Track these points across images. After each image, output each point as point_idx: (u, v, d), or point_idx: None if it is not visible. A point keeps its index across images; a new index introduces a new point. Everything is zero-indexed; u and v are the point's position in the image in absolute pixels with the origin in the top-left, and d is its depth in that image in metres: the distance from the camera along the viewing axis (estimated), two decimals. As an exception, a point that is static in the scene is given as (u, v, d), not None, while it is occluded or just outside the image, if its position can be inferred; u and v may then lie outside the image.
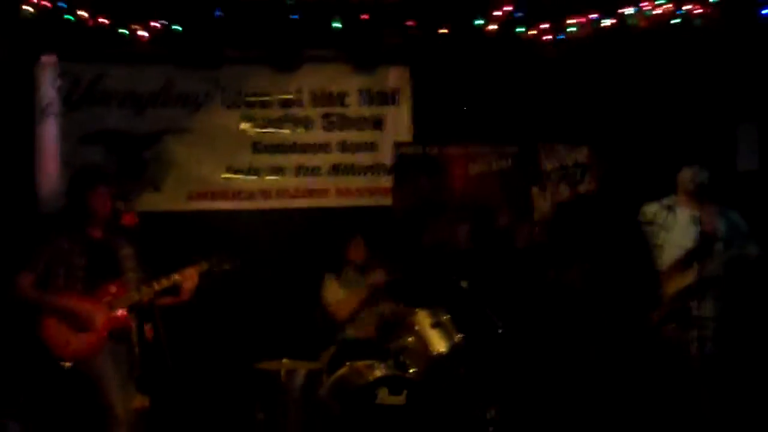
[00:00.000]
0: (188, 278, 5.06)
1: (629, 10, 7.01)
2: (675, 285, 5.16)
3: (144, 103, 6.93)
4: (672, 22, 6.92)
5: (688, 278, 5.08)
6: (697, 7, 6.84)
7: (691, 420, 5.15)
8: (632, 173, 7.24)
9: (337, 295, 6.27)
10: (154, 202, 6.74)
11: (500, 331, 5.93)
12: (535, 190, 7.54)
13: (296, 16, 6.77)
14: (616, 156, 7.45)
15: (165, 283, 4.97)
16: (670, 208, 5.33)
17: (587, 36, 7.14)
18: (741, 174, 6.64)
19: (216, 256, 5.25)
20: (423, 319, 5.89)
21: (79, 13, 6.49)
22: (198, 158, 7.00)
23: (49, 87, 6.77)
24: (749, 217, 5.42)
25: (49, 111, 6.74)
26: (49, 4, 6.41)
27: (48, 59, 6.79)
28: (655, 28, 6.98)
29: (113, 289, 4.87)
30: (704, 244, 5.04)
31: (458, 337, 5.82)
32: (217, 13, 6.68)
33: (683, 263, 5.10)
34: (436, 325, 5.86)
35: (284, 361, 5.72)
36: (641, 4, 6.96)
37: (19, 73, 6.59)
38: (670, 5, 6.91)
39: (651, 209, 5.43)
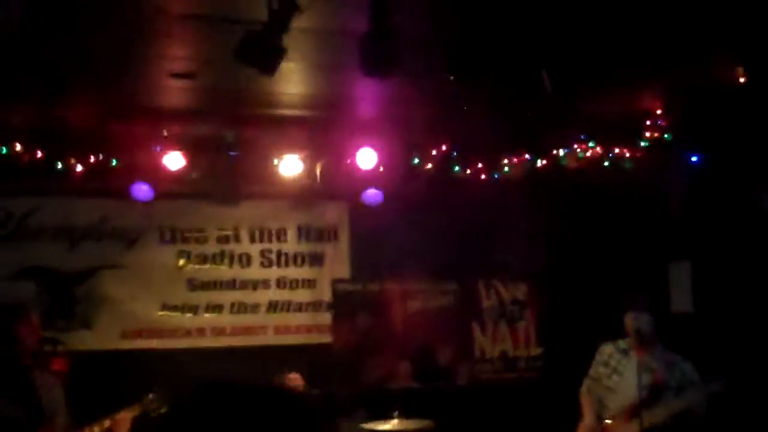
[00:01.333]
0: (120, 423, 4.81)
1: (561, 152, 7.24)
2: (624, 433, 5.10)
3: (77, 237, 6.78)
4: (603, 164, 7.17)
5: (634, 428, 5.03)
6: (627, 150, 7.10)
7: None
8: (571, 310, 7.30)
9: None
10: (85, 340, 6.50)
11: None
12: (475, 326, 7.53)
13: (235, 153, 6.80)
14: (555, 293, 7.51)
15: (96, 429, 4.71)
16: (624, 352, 5.29)
17: (522, 175, 7.32)
18: (675, 317, 6.69)
19: (150, 398, 5.02)
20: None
21: (13, 146, 6.41)
22: (132, 295, 6.81)
23: (-21, 221, 6.58)
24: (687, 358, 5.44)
25: (-22, 245, 6.54)
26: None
27: (-22, 193, 6.63)
28: (587, 168, 7.20)
29: None
30: (652, 394, 5.00)
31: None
32: (158, 148, 6.65)
33: (631, 412, 5.05)
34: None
35: None
36: (573, 146, 7.20)
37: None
38: (601, 148, 7.16)
39: (607, 349, 5.39)
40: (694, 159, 6.65)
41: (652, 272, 6.94)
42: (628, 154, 7.10)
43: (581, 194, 7.39)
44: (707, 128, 6.38)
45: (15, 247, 6.65)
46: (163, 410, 5.07)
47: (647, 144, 6.94)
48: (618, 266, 7.15)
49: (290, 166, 6.85)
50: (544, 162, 7.29)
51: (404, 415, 5.96)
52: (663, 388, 5.01)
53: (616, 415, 5.15)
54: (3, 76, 5.72)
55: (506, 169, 7.34)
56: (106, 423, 4.79)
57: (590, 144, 7.18)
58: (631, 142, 7.08)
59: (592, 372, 5.46)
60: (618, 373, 5.25)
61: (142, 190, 6.62)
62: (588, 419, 5.32)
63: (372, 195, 7.05)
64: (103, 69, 5.58)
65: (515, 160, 7.32)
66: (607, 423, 5.19)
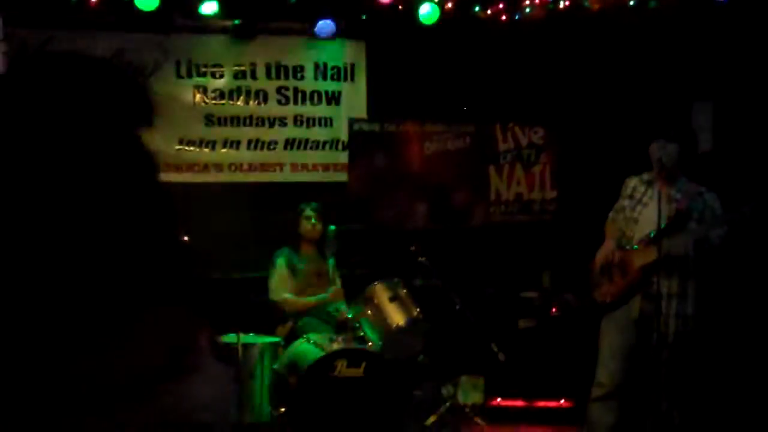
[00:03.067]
0: None
1: (585, -8, 7.06)
2: (642, 259, 5.16)
3: (93, 70, 6.70)
4: (628, 3, 7.00)
5: (656, 253, 5.09)
6: (652, -11, 6.92)
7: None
8: (589, 154, 7.29)
9: (287, 286, 6.12)
10: (103, 171, 6.51)
11: (458, 307, 5.91)
12: (491, 169, 7.54)
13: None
14: (573, 137, 7.48)
15: None
16: (648, 183, 5.31)
17: (543, 17, 7.17)
18: (697, 155, 6.68)
19: None
20: (381, 292, 5.82)
21: (27, -24, 6.29)
22: (150, 129, 6.78)
23: (-7, 51, 6.52)
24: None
25: (-5, 75, 6.50)
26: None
27: (-7, 23, 6.54)
28: (611, 10, 7.04)
29: None
30: (675, 222, 5.03)
31: (417, 310, 5.77)
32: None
33: (654, 239, 5.11)
34: (394, 298, 5.79)
35: (240, 334, 5.58)
36: (598, -15, 7.02)
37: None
38: (626, -13, 6.98)
39: (632, 183, 5.42)
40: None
41: (676, 111, 6.87)
42: (653, -7, 6.94)
43: (604, 35, 7.23)
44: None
45: (31, 78, 6.61)
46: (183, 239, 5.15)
47: (673, -18, 6.77)
48: (640, 107, 7.08)
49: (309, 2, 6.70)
50: (567, 3, 7.11)
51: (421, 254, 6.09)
52: (685, 218, 5.05)
53: (637, 243, 5.21)
54: None
55: (527, 9, 7.16)
56: None
57: (615, -17, 7.00)
58: (657, -20, 6.90)
59: (617, 205, 5.51)
60: (642, 204, 5.29)
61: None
62: (608, 245, 5.38)
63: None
64: None
65: (537, 0, 7.14)
66: (627, 249, 5.26)
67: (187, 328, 1.17)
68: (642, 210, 5.30)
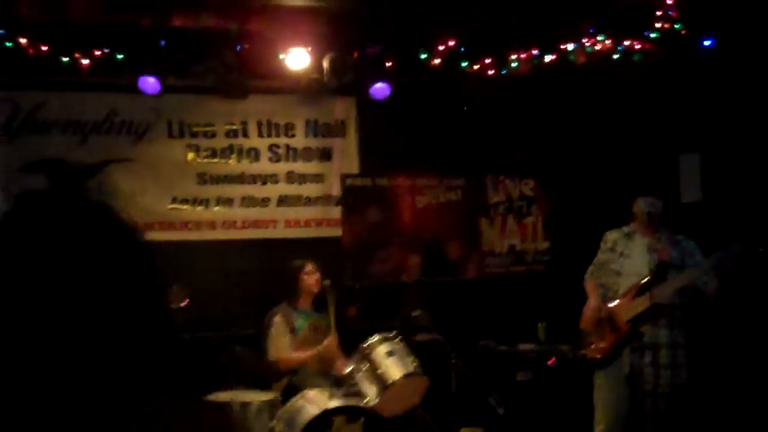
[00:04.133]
0: None
1: (570, 46, 7.18)
2: (629, 312, 5.20)
3: (86, 131, 6.75)
4: (613, 57, 7.12)
5: (642, 305, 5.13)
6: (636, 42, 7.05)
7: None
8: (580, 204, 7.36)
9: (283, 343, 6.09)
10: (96, 232, 6.49)
11: (454, 361, 5.89)
12: (483, 221, 7.58)
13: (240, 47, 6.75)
14: (563, 188, 7.56)
15: None
16: (629, 236, 5.40)
17: (529, 71, 7.28)
18: (684, 205, 6.75)
19: (173, 291, 5.11)
20: (378, 347, 5.79)
21: (20, 40, 6.34)
22: (143, 188, 6.82)
23: (-13, 114, 6.57)
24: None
25: (-12, 139, 6.54)
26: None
27: (-14, 87, 6.59)
28: (596, 63, 7.16)
29: None
30: (658, 271, 5.10)
31: (414, 365, 5.74)
32: (162, 43, 6.59)
33: (639, 290, 5.15)
34: (391, 353, 5.76)
35: (236, 392, 5.54)
36: (582, 40, 7.14)
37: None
38: (610, 41, 7.10)
39: (612, 236, 5.51)
40: (706, 44, 6.58)
41: (661, 165, 6.96)
42: (638, 47, 7.05)
43: (590, 89, 7.35)
44: (720, 13, 6.32)
45: (24, 141, 6.62)
46: (181, 304, 5.16)
47: (657, 35, 6.89)
48: (627, 160, 7.18)
49: (298, 59, 6.79)
50: (553, 57, 7.23)
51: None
52: (669, 266, 5.11)
53: (622, 296, 5.24)
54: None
55: (514, 64, 7.28)
56: None
57: (599, 38, 7.12)
58: (640, 34, 7.03)
59: (596, 260, 5.58)
60: (624, 256, 5.36)
61: (149, 84, 6.59)
62: (594, 301, 5.43)
63: (380, 89, 7.01)
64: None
65: (523, 55, 7.25)
66: (613, 303, 5.29)
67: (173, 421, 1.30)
68: (624, 262, 5.36)
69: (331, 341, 6.09)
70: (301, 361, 6.08)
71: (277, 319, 6.14)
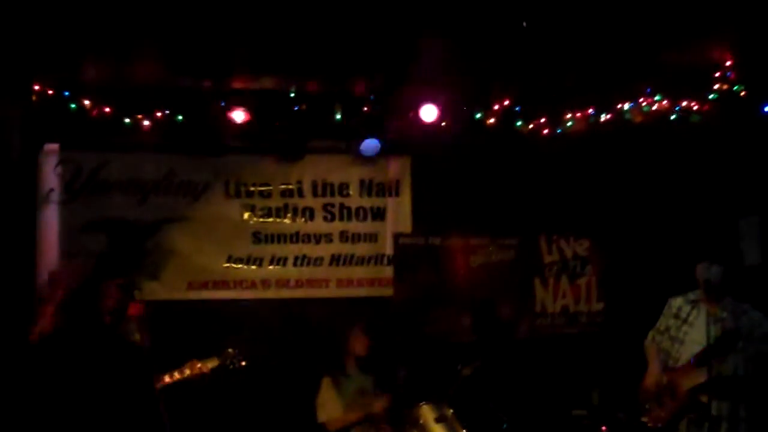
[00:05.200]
0: (198, 371, 5.00)
1: (626, 106, 7.14)
2: (690, 381, 5.09)
3: (146, 191, 6.91)
4: (670, 117, 7.06)
5: (704, 375, 5.02)
6: (694, 103, 6.98)
7: None
8: (634, 266, 7.26)
9: (331, 405, 6.09)
10: (154, 291, 6.63)
11: (504, 426, 5.84)
12: (536, 281, 7.53)
13: (298, 108, 6.87)
14: (617, 249, 7.47)
15: (177, 375, 4.88)
16: (693, 303, 5.29)
17: (585, 130, 7.24)
18: (746, 268, 6.62)
19: (230, 352, 5.21)
20: (427, 413, 5.78)
21: (82, 102, 6.55)
22: (198, 247, 6.95)
23: (51, 175, 6.77)
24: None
25: (51, 198, 6.74)
26: (51, 92, 6.48)
27: (51, 147, 6.80)
28: (653, 123, 7.10)
29: None
30: (725, 342, 4.97)
31: (463, 431, 5.71)
32: (222, 103, 6.75)
33: (701, 359, 5.04)
34: (440, 419, 5.75)
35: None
36: (639, 100, 7.10)
37: (25, 160, 6.56)
38: (667, 101, 7.05)
39: (677, 302, 5.40)
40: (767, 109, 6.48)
41: (721, 228, 6.85)
42: (695, 107, 6.98)
43: (647, 149, 7.28)
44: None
45: (86, 200, 6.82)
46: (241, 363, 5.25)
47: (716, 96, 6.82)
48: (685, 222, 7.08)
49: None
50: (609, 116, 7.19)
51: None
52: (734, 337, 4.98)
53: (685, 365, 5.14)
54: (72, 33, 5.88)
55: (569, 123, 7.25)
56: (186, 371, 4.95)
57: (656, 97, 7.07)
58: (698, 95, 6.96)
59: (659, 325, 5.47)
60: (688, 324, 5.25)
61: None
62: (654, 368, 5.33)
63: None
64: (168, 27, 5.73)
65: (578, 114, 7.23)
66: (674, 371, 5.19)
67: None
68: (688, 330, 5.25)
69: (382, 403, 6.09)
70: (350, 422, 6.07)
71: (326, 381, 6.16)
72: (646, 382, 5.35)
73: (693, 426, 5.08)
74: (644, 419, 5.31)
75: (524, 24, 4.84)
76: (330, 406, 6.06)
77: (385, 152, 7.21)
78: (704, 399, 5.01)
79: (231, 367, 5.33)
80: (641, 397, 5.37)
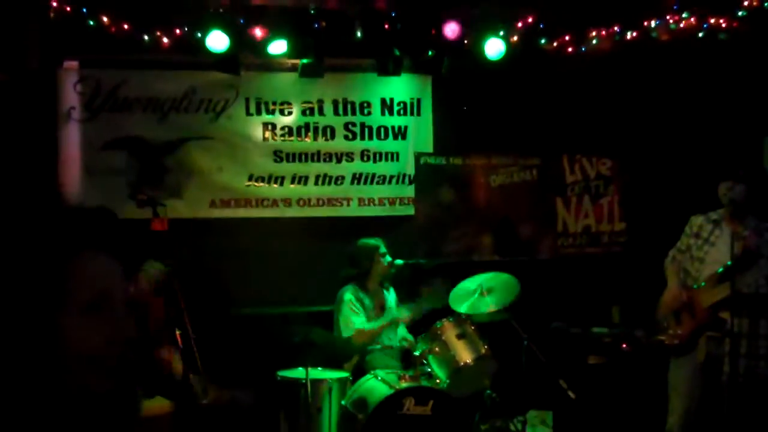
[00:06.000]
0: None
1: (653, 23, 7.00)
2: (710, 298, 5.08)
3: (166, 109, 6.87)
4: (698, 35, 6.92)
5: (724, 292, 5.01)
6: (723, 20, 6.84)
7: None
8: (656, 186, 7.21)
9: (356, 319, 6.13)
10: (176, 208, 6.61)
11: (525, 342, 5.87)
12: (558, 201, 7.50)
13: (318, 25, 6.77)
14: (642, 168, 7.41)
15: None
16: (715, 223, 5.25)
17: (610, 48, 7.12)
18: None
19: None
20: (449, 329, 5.83)
21: (101, 18, 6.48)
22: (220, 165, 6.94)
23: (71, 92, 6.74)
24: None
25: (72, 116, 6.72)
26: (69, 8, 6.40)
27: (70, 64, 6.76)
28: (680, 41, 6.97)
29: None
30: (745, 260, 4.95)
31: (484, 347, 5.75)
32: (241, 20, 6.66)
33: (722, 277, 5.02)
34: (461, 335, 5.79)
35: (308, 369, 5.63)
36: (666, 17, 6.96)
37: (44, 78, 6.52)
38: (695, 19, 6.90)
39: (698, 221, 5.36)
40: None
41: (745, 146, 6.77)
42: (724, 25, 6.84)
43: (673, 68, 7.16)
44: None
45: (105, 118, 6.79)
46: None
47: (744, 14, 6.67)
48: (710, 141, 7.00)
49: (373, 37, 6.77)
50: (635, 34, 7.06)
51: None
52: (755, 255, 4.96)
53: (706, 283, 5.13)
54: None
55: (594, 41, 7.12)
56: None
57: (683, 15, 6.93)
58: (727, 11, 6.81)
59: (680, 244, 5.44)
60: (709, 243, 5.22)
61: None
62: (674, 286, 5.32)
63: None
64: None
65: (603, 32, 7.09)
66: (694, 289, 5.19)
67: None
68: (709, 249, 5.22)
69: (408, 313, 6.18)
70: (376, 333, 6.13)
71: (348, 297, 6.20)
72: (664, 301, 5.35)
73: (713, 343, 5.09)
74: (661, 337, 5.32)
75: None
76: (352, 321, 6.12)
77: (406, 70, 7.13)
78: (725, 316, 5.01)
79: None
80: (659, 314, 5.37)
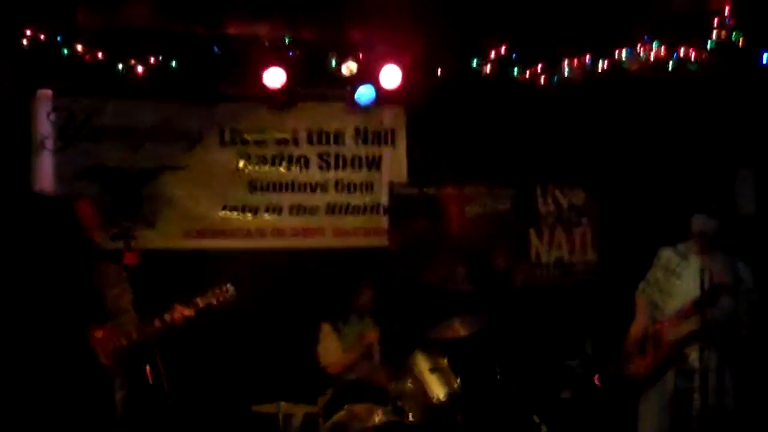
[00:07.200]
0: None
1: (624, 52, 7.06)
2: (675, 332, 5.13)
3: (140, 138, 6.84)
4: (667, 66, 6.99)
5: (689, 327, 5.06)
6: (692, 51, 6.90)
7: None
8: (629, 217, 7.27)
9: (332, 350, 6.19)
10: (149, 239, 6.60)
11: (499, 377, 5.89)
12: (532, 231, 7.54)
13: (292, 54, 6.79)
14: (613, 199, 7.46)
15: (168, 318, 4.77)
16: (683, 256, 5.30)
17: (582, 78, 7.17)
18: (741, 219, 6.64)
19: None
20: (421, 362, 5.82)
21: (75, 47, 6.46)
22: (194, 195, 6.92)
23: (44, 121, 6.70)
24: (749, 262, 5.41)
25: (45, 146, 6.68)
26: (43, 37, 6.38)
27: (43, 93, 6.72)
28: (651, 72, 7.03)
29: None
30: (713, 294, 5.00)
31: (457, 382, 5.76)
32: (215, 50, 6.67)
33: (687, 311, 5.07)
34: (434, 369, 5.78)
35: (281, 404, 5.62)
36: (637, 46, 7.02)
37: (17, 106, 6.49)
38: (665, 49, 6.97)
39: (666, 254, 5.41)
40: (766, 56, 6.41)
41: (718, 179, 6.84)
42: (693, 56, 6.91)
43: (644, 98, 7.23)
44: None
45: (78, 147, 6.75)
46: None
47: (714, 45, 6.75)
48: (682, 172, 7.06)
49: (348, 69, 6.80)
50: (606, 63, 7.11)
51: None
52: (721, 290, 5.01)
53: (671, 317, 5.18)
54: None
55: (566, 72, 7.17)
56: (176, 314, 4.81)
57: (654, 45, 7.00)
58: (697, 42, 6.89)
59: (649, 276, 5.49)
60: (677, 276, 5.27)
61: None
62: (641, 319, 5.38)
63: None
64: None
65: (576, 61, 7.15)
66: (660, 322, 5.23)
67: None
68: (676, 282, 5.28)
69: (374, 333, 6.23)
70: (349, 362, 6.14)
71: (326, 328, 6.24)
72: (631, 333, 5.41)
73: (681, 378, 5.13)
74: (627, 369, 5.37)
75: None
76: (331, 350, 6.14)
77: (380, 101, 7.15)
78: (689, 351, 5.06)
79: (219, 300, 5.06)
80: (626, 347, 5.42)
